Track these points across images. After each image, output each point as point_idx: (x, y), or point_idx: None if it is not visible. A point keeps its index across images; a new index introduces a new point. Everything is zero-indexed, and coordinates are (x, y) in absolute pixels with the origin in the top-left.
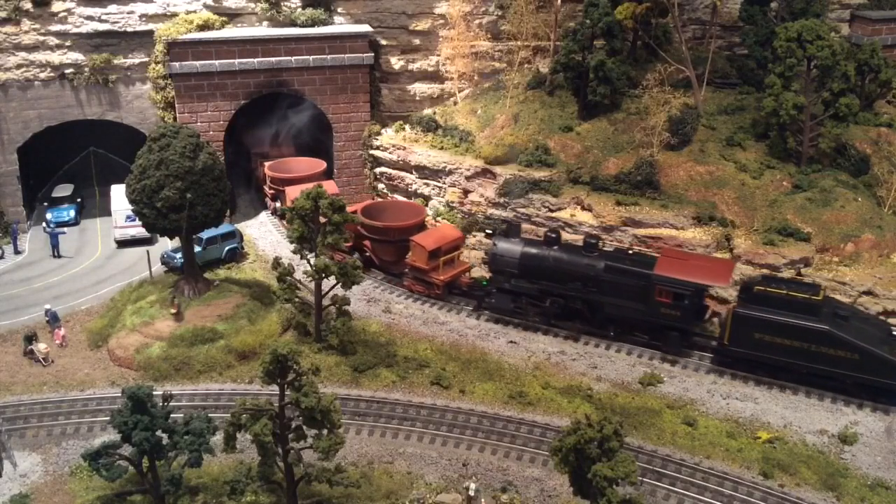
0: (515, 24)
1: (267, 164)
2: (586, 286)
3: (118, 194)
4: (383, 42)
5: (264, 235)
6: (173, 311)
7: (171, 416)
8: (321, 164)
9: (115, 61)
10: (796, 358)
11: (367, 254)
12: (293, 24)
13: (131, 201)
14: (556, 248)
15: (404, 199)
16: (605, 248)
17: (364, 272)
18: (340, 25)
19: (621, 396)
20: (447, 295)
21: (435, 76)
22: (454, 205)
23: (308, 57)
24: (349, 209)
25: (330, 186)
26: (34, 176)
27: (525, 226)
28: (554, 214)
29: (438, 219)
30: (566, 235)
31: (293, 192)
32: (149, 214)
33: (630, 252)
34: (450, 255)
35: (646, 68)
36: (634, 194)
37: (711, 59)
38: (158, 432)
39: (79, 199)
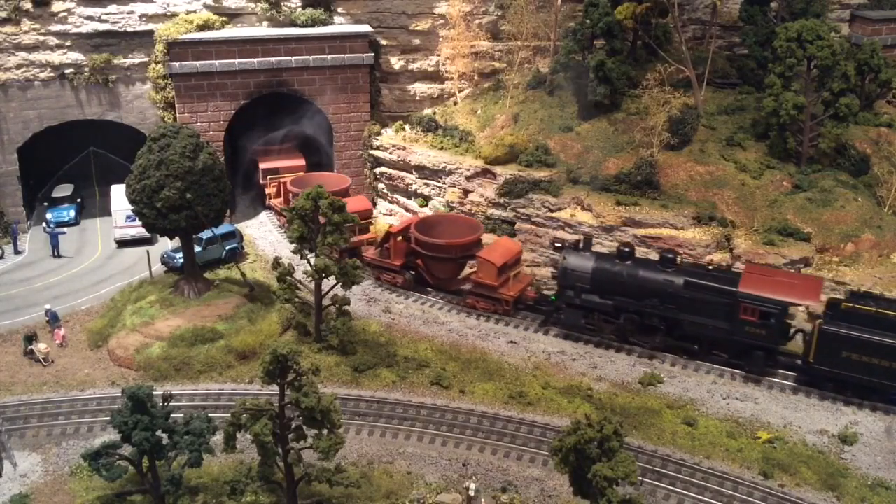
0: (515, 24)
1: (287, 179)
2: (664, 303)
3: (118, 194)
4: (383, 42)
5: (264, 235)
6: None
7: (171, 416)
8: (346, 180)
9: (115, 61)
10: (887, 378)
11: (414, 270)
12: (293, 24)
13: (131, 201)
14: (629, 262)
15: (457, 213)
16: (683, 263)
17: (415, 290)
18: (340, 25)
19: (621, 396)
20: (514, 311)
21: (435, 76)
22: (454, 205)
23: (308, 57)
24: (402, 224)
25: (361, 202)
26: (34, 176)
27: (525, 226)
28: (554, 214)
29: None
30: (566, 235)
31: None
32: (149, 214)
33: (709, 267)
34: (515, 269)
35: (646, 68)
36: (634, 194)
37: (711, 59)
38: (158, 432)
39: (79, 199)
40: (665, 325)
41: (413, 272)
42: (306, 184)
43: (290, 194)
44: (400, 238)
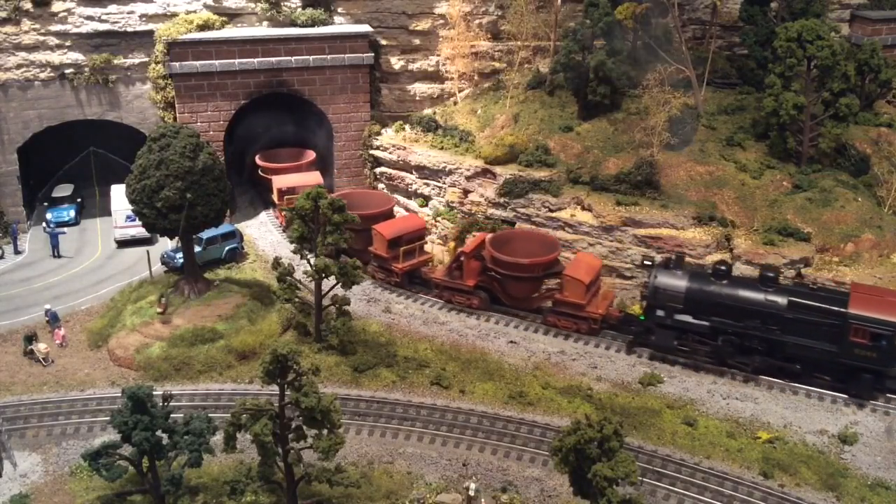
0: (515, 24)
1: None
2: (766, 324)
3: (118, 194)
4: (383, 42)
5: (264, 235)
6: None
7: (171, 416)
8: (390, 200)
9: (115, 61)
10: None
11: (488, 290)
12: (293, 24)
13: (131, 201)
14: (726, 281)
15: (529, 228)
16: (785, 282)
17: (488, 309)
18: (340, 25)
19: (621, 396)
20: (601, 330)
21: (435, 76)
22: (454, 205)
23: (308, 57)
24: (474, 243)
25: (414, 221)
26: (34, 176)
27: (525, 226)
28: (554, 214)
29: (438, 218)
30: (566, 235)
31: (355, 240)
32: (149, 214)
33: (813, 286)
34: (598, 285)
35: (646, 68)
36: (634, 194)
37: (711, 59)
38: (158, 432)
39: (79, 199)
40: (765, 346)
41: (487, 292)
42: (350, 206)
43: None
44: (472, 257)
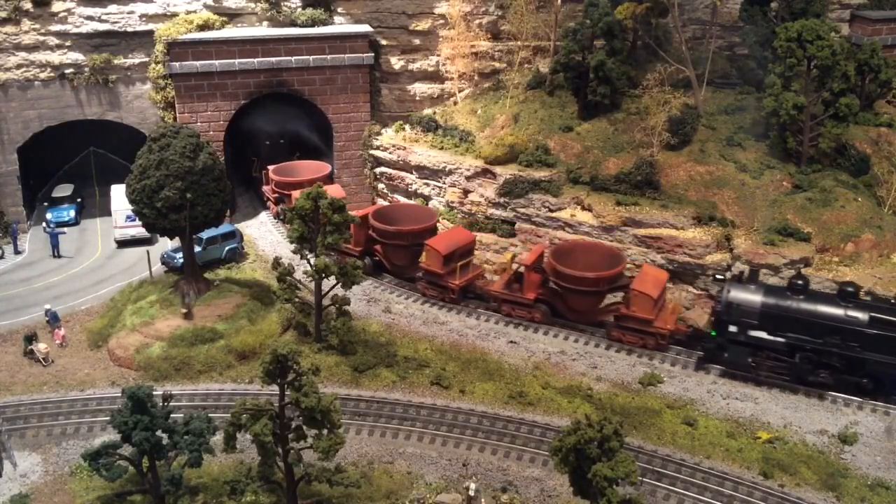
0: (515, 24)
1: (364, 212)
2: (846, 341)
3: (118, 194)
4: (383, 42)
5: (264, 235)
6: (184, 310)
7: (171, 416)
8: (433, 215)
9: (115, 61)
10: None
11: (550, 303)
12: (293, 24)
13: (131, 201)
14: (803, 296)
15: (591, 239)
16: (865, 298)
17: (549, 323)
18: (340, 25)
19: (621, 396)
20: (668, 346)
21: (435, 76)
22: (454, 205)
23: (308, 57)
24: (533, 255)
25: (464, 234)
26: (34, 176)
27: (525, 226)
28: (554, 214)
29: (438, 218)
30: (566, 235)
31: (398, 256)
32: (149, 214)
33: (894, 301)
34: (665, 299)
35: (646, 68)
36: (634, 194)
37: (711, 59)
38: (158, 432)
39: (79, 199)
40: (844, 363)
41: (548, 306)
42: (392, 221)
43: (374, 230)
44: (532, 270)
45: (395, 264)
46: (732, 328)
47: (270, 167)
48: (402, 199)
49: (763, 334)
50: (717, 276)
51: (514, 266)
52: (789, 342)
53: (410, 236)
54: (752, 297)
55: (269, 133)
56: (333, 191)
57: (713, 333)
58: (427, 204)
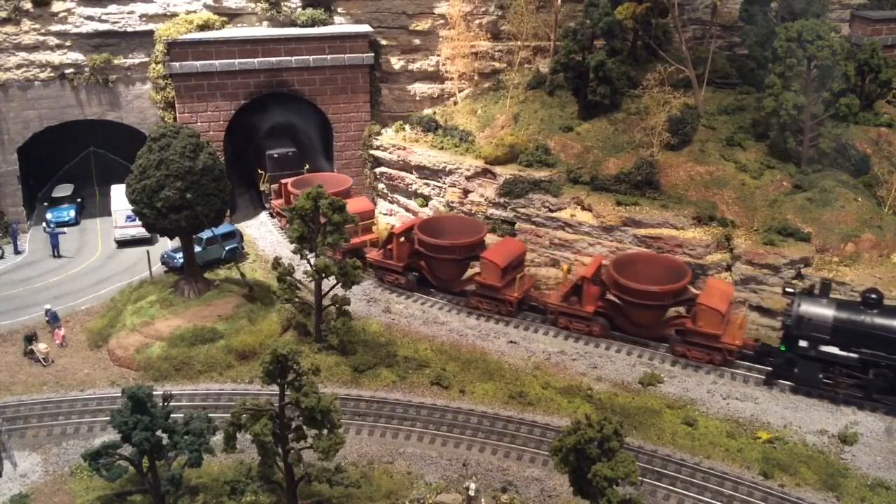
0: (515, 24)
1: (399, 229)
2: None
3: (118, 194)
4: (383, 42)
5: (264, 235)
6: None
7: (171, 416)
8: (481, 227)
9: (115, 61)
10: None
11: (609, 317)
12: (293, 24)
13: (131, 201)
14: (877, 310)
15: (652, 251)
16: None
17: (609, 337)
18: (340, 25)
19: (621, 396)
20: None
21: (435, 76)
22: (454, 205)
23: (308, 57)
24: (592, 266)
25: (516, 245)
26: (34, 176)
27: (525, 226)
28: (554, 214)
29: None
30: (566, 236)
31: (447, 270)
32: (149, 214)
33: None
34: (730, 313)
35: (646, 68)
36: (634, 194)
37: (711, 59)
38: (158, 432)
39: (79, 199)
40: None
41: (607, 319)
42: (438, 234)
43: (417, 241)
44: (591, 282)
45: (441, 279)
46: (803, 343)
47: (287, 181)
48: (402, 199)
49: (835, 350)
50: (788, 290)
51: (571, 278)
52: (863, 358)
53: (462, 250)
54: (824, 312)
55: (275, 145)
56: (361, 204)
57: (782, 348)
58: (427, 204)
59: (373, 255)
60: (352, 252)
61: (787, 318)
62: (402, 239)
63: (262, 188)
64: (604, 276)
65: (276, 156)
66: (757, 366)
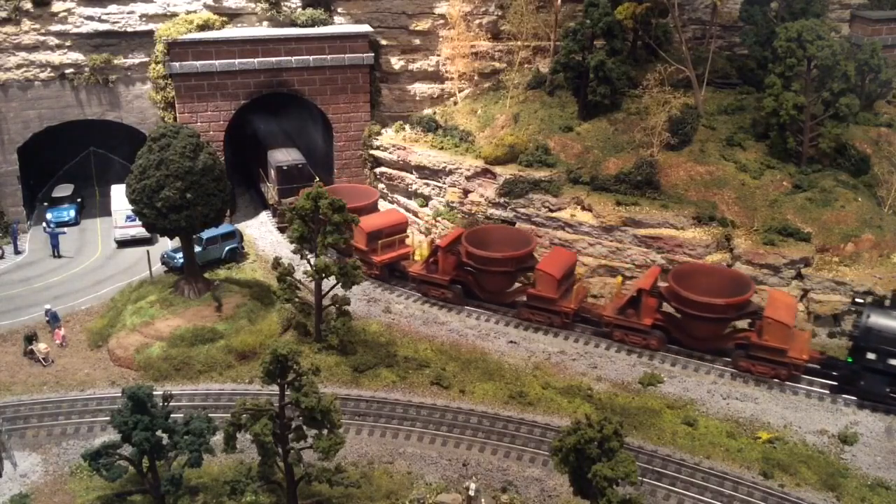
0: (515, 24)
1: (444, 241)
2: None
3: (118, 194)
4: (383, 42)
5: (264, 235)
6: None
7: (171, 416)
8: (530, 238)
9: (115, 61)
10: None
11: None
12: (293, 24)
13: (131, 201)
14: None
15: (711, 263)
16: None
17: (666, 350)
18: (340, 25)
19: (621, 396)
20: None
21: (435, 76)
22: (454, 205)
23: (308, 57)
24: (650, 276)
25: (568, 254)
26: (34, 176)
27: (525, 226)
28: (554, 214)
29: (438, 218)
30: (566, 235)
31: (496, 283)
32: (149, 214)
33: None
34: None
35: (646, 68)
36: (634, 194)
37: (711, 59)
38: (158, 432)
39: (79, 199)
40: None
41: (665, 332)
42: (485, 245)
43: (465, 254)
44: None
45: (490, 291)
46: (870, 356)
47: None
48: (402, 199)
49: None
50: (857, 301)
51: (626, 289)
52: None
53: (515, 262)
54: (894, 324)
55: (283, 157)
56: (393, 216)
57: (849, 360)
58: (427, 204)
59: (415, 268)
60: (388, 266)
61: (855, 330)
62: (448, 252)
63: (270, 202)
64: (662, 288)
65: (285, 168)
66: (819, 379)
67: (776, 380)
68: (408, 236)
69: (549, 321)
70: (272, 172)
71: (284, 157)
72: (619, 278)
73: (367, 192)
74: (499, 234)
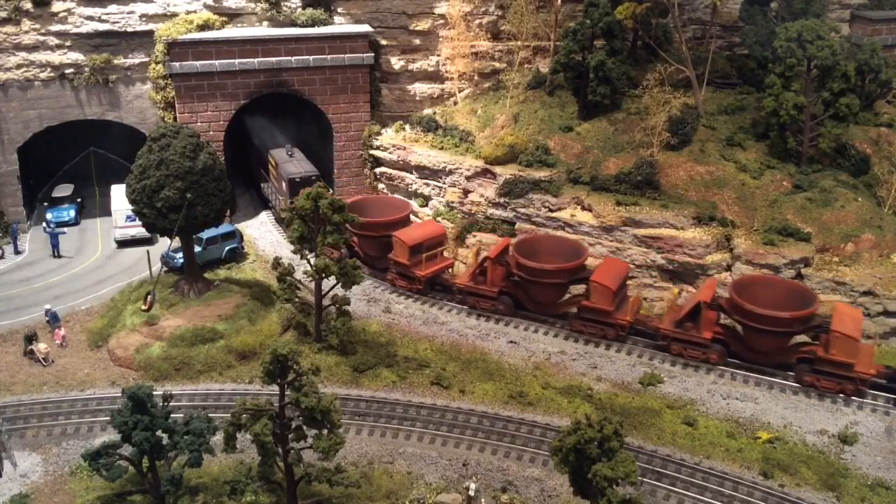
0: (515, 24)
1: (493, 252)
2: None
3: (118, 194)
4: (383, 42)
5: (264, 235)
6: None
7: (171, 416)
8: (582, 248)
9: (115, 61)
10: None
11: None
12: (293, 24)
13: (131, 201)
14: None
15: (770, 274)
16: None
17: (725, 364)
18: (340, 25)
19: (621, 396)
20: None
21: (435, 76)
22: (454, 205)
23: (308, 57)
24: (709, 290)
25: (621, 266)
26: (34, 176)
27: (525, 226)
28: (554, 214)
29: (438, 218)
30: (566, 235)
31: (548, 294)
32: (149, 214)
33: None
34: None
35: (646, 68)
36: (634, 194)
37: (711, 59)
38: (158, 432)
39: (79, 199)
40: None
41: (725, 346)
42: (534, 255)
43: (515, 264)
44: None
45: (540, 303)
46: None
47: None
48: (402, 199)
49: None
50: None
51: (682, 301)
52: None
53: (567, 273)
54: None
55: (295, 168)
56: (432, 228)
57: None
58: (427, 204)
59: (462, 280)
60: (430, 281)
61: None
62: (496, 263)
63: (282, 215)
64: (723, 300)
65: (297, 180)
66: (884, 393)
67: (841, 395)
68: (446, 248)
69: (602, 333)
70: (284, 185)
71: (296, 168)
72: (675, 290)
73: (399, 204)
74: (548, 244)
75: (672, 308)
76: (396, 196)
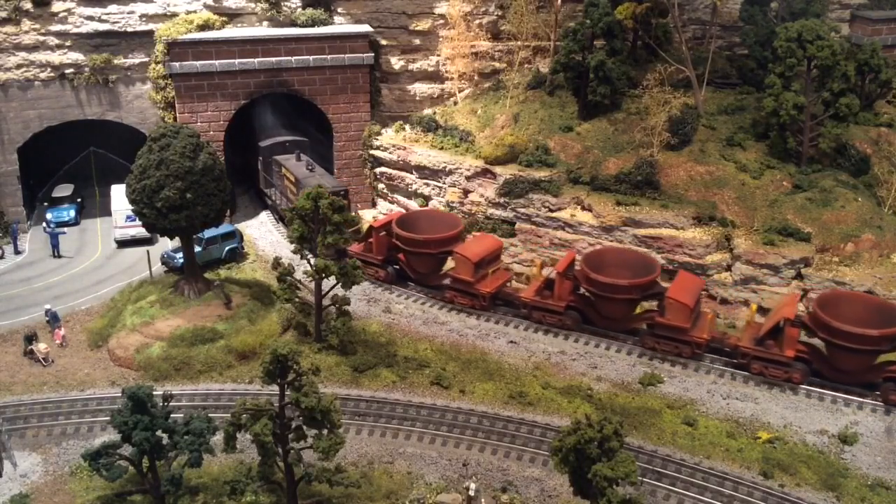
0: (515, 24)
1: (565, 262)
2: None
3: (118, 194)
4: (383, 42)
5: (264, 235)
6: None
7: (171, 416)
8: (655, 264)
9: (115, 61)
10: None
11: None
12: (293, 24)
13: (131, 201)
14: None
15: (853, 290)
16: None
17: (805, 384)
18: (340, 25)
19: (621, 396)
20: None
21: (435, 76)
22: (454, 205)
23: (308, 57)
24: (791, 305)
25: (696, 281)
26: (34, 176)
27: (525, 226)
28: (554, 214)
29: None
30: (566, 235)
31: (615, 309)
32: (149, 214)
33: None
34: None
35: (646, 68)
36: (634, 194)
37: (711, 59)
38: (158, 432)
39: (79, 199)
40: None
41: (808, 364)
42: (602, 268)
43: (583, 277)
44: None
45: (609, 318)
46: None
47: (384, 217)
48: (402, 199)
49: None
50: None
51: (759, 318)
52: None
53: (640, 289)
54: None
55: (312, 180)
56: (487, 243)
57: None
58: (427, 204)
59: (528, 294)
60: (492, 297)
61: None
62: (564, 277)
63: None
64: (805, 317)
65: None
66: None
67: (889, 405)
68: (502, 261)
69: (677, 351)
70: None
71: (324, 183)
72: (754, 306)
73: (451, 220)
74: (615, 257)
75: (750, 324)
76: (435, 210)
